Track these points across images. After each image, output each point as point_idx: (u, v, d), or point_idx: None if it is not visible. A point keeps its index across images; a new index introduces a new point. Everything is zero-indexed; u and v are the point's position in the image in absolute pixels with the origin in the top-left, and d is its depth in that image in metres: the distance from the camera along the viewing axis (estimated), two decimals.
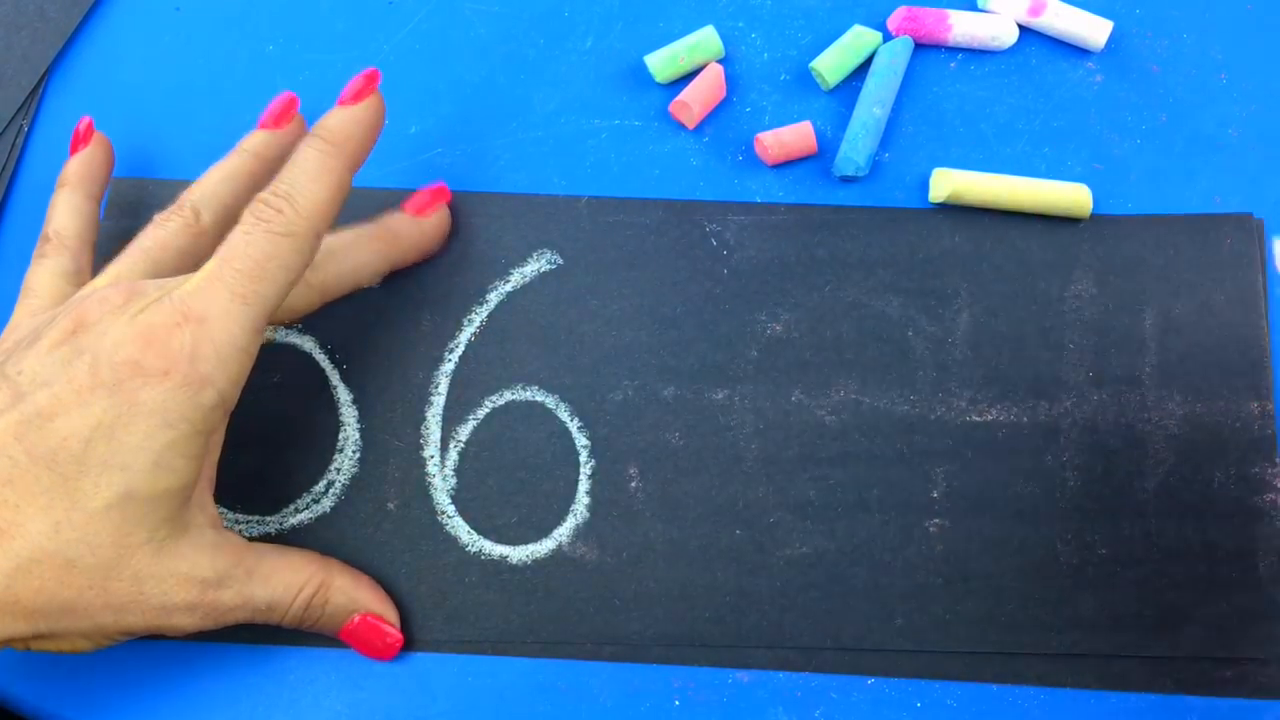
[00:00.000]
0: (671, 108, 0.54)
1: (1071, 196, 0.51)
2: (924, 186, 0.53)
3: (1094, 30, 0.54)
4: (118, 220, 0.53)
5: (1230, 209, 0.52)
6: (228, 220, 0.46)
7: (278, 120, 0.50)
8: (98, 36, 0.57)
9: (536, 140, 0.54)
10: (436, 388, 0.51)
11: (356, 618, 0.46)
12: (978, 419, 0.49)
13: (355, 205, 0.49)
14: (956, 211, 0.52)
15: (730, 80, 0.55)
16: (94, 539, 0.39)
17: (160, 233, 0.46)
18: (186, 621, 0.42)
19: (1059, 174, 0.53)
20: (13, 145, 0.54)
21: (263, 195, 0.43)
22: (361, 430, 0.50)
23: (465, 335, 0.51)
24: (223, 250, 0.42)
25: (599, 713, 0.47)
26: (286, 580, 0.45)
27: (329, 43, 0.56)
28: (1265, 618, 0.47)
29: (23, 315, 0.46)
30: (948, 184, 0.51)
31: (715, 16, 0.56)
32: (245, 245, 0.42)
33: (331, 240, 0.49)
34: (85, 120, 0.52)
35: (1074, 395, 0.50)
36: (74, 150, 0.52)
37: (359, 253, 0.49)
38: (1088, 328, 0.50)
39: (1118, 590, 0.47)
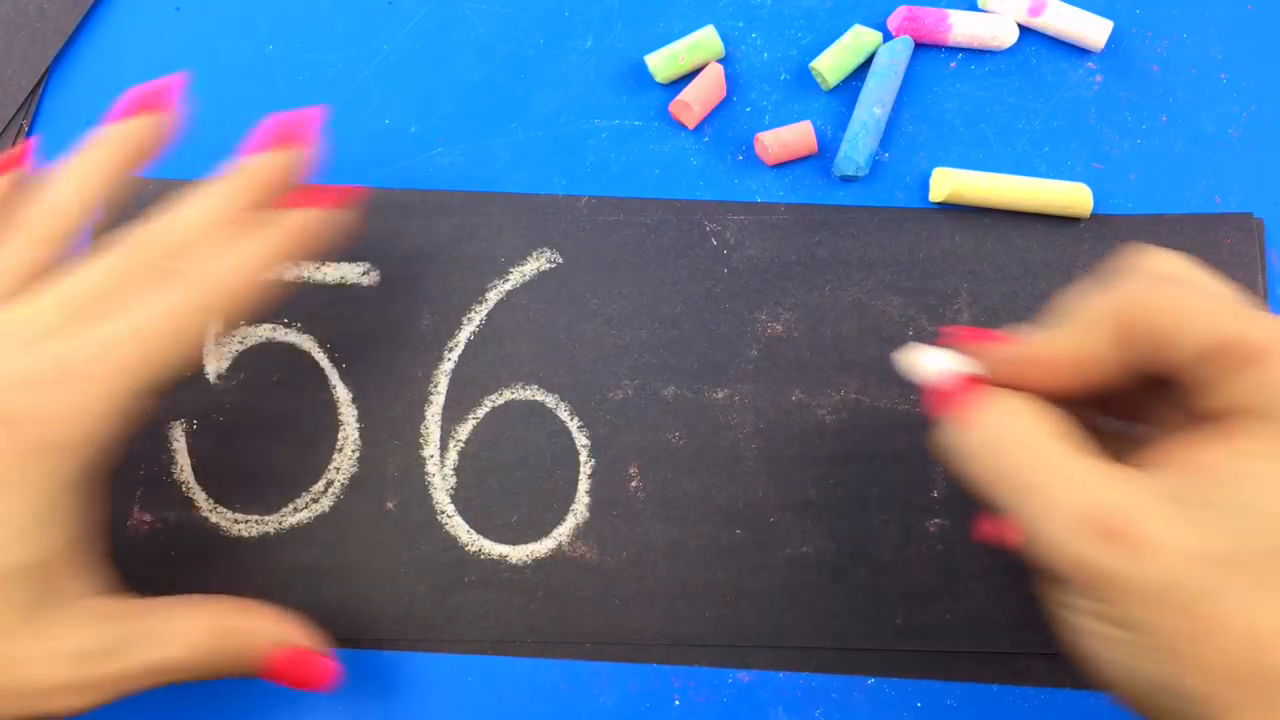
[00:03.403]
0: (672, 107, 0.54)
1: (1072, 196, 0.51)
2: (924, 186, 0.53)
3: (1094, 30, 0.54)
4: (118, 221, 0.53)
5: (1230, 209, 0.52)
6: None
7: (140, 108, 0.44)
8: (98, 36, 0.57)
9: (536, 140, 0.54)
10: (436, 387, 0.51)
11: (277, 652, 0.43)
12: None
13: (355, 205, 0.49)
14: (957, 211, 0.52)
15: (730, 80, 0.55)
16: None
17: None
18: (77, 702, 0.38)
19: (1059, 174, 0.53)
20: (12, 145, 0.54)
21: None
22: (361, 429, 0.50)
23: (465, 334, 0.51)
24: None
25: (599, 713, 0.47)
26: (180, 633, 0.40)
27: (329, 43, 0.56)
28: None
29: None
30: (948, 183, 0.51)
31: (715, 16, 0.56)
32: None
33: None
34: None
35: None
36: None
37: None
38: None
39: None
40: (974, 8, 0.56)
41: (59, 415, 0.37)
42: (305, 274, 0.52)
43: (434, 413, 0.50)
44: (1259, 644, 0.31)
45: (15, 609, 0.37)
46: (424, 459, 0.50)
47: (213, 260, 0.41)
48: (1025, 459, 0.35)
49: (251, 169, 0.43)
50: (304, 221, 0.43)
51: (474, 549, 0.49)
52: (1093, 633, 0.35)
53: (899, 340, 0.50)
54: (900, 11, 0.55)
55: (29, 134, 0.55)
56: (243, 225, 0.42)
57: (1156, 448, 0.35)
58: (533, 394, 0.50)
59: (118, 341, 0.38)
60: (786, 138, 0.53)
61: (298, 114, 0.45)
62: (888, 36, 0.55)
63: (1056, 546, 0.34)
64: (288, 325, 0.51)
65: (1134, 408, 0.39)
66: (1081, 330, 0.37)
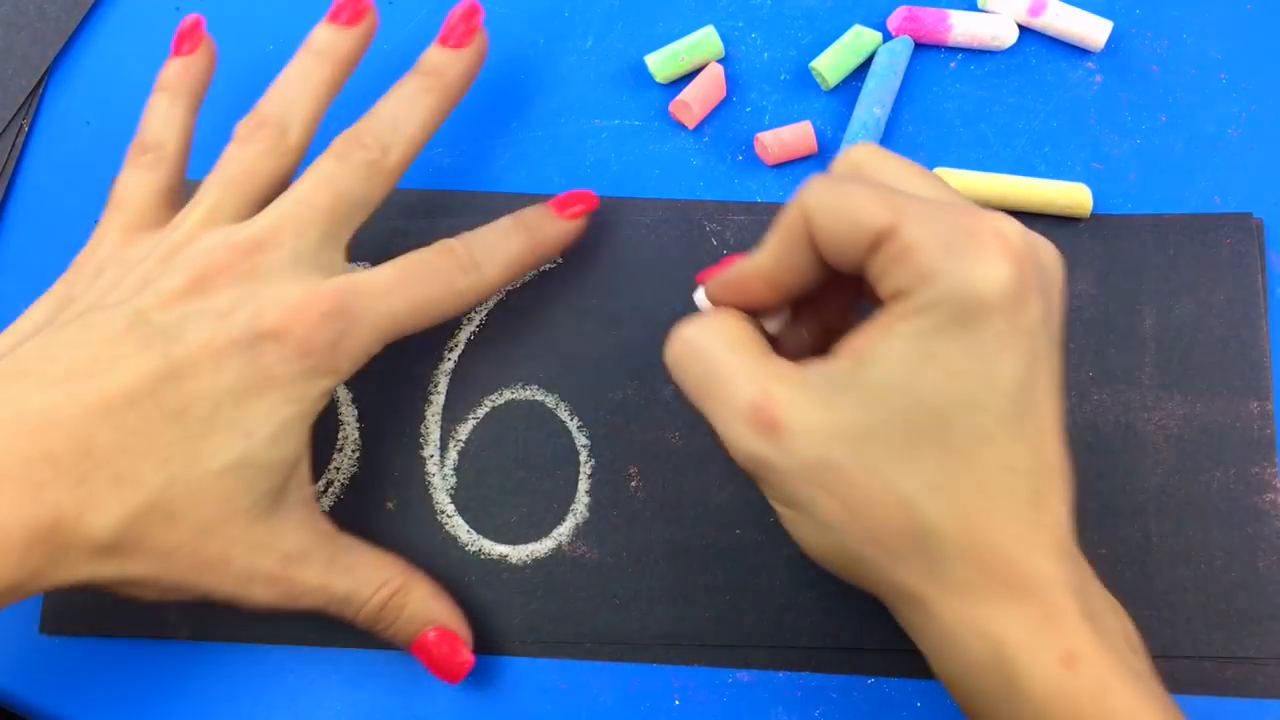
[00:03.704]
0: (671, 108, 0.54)
1: (1072, 196, 0.51)
2: None
3: (1094, 30, 0.54)
4: None
5: (1230, 209, 0.52)
6: (312, 136, 0.48)
7: (348, 14, 0.49)
8: (98, 36, 0.57)
9: (536, 140, 0.54)
10: (436, 387, 0.51)
11: (432, 632, 0.46)
12: None
13: None
14: None
15: (730, 80, 0.55)
16: (202, 498, 0.40)
17: (246, 156, 0.46)
18: (263, 595, 0.42)
19: (1059, 174, 0.53)
20: (13, 145, 0.54)
21: (363, 133, 0.46)
22: (361, 429, 0.50)
23: (465, 334, 0.51)
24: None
25: (599, 713, 0.47)
26: (368, 575, 0.45)
27: None
28: (1265, 618, 0.47)
29: (113, 228, 0.46)
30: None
31: (715, 16, 0.56)
32: (348, 191, 0.45)
33: (486, 235, 0.48)
34: (191, 19, 0.51)
35: (1074, 395, 0.50)
36: (176, 51, 0.51)
37: (509, 247, 0.48)
38: (1087, 327, 0.50)
39: (1116, 590, 0.47)
40: (974, 8, 0.56)
41: (332, 343, 0.42)
42: None
43: (434, 413, 0.50)
44: (907, 506, 0.36)
45: (254, 498, 0.42)
46: (424, 459, 0.50)
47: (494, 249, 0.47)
48: (706, 367, 0.39)
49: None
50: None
51: (474, 549, 0.49)
52: (781, 515, 0.40)
53: None
54: (900, 11, 0.55)
55: (29, 134, 0.55)
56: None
57: (841, 341, 0.38)
58: (532, 394, 0.50)
59: (388, 286, 0.44)
60: (786, 138, 0.53)
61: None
62: (887, 37, 0.55)
63: (731, 442, 0.38)
64: None
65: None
66: (775, 245, 0.39)
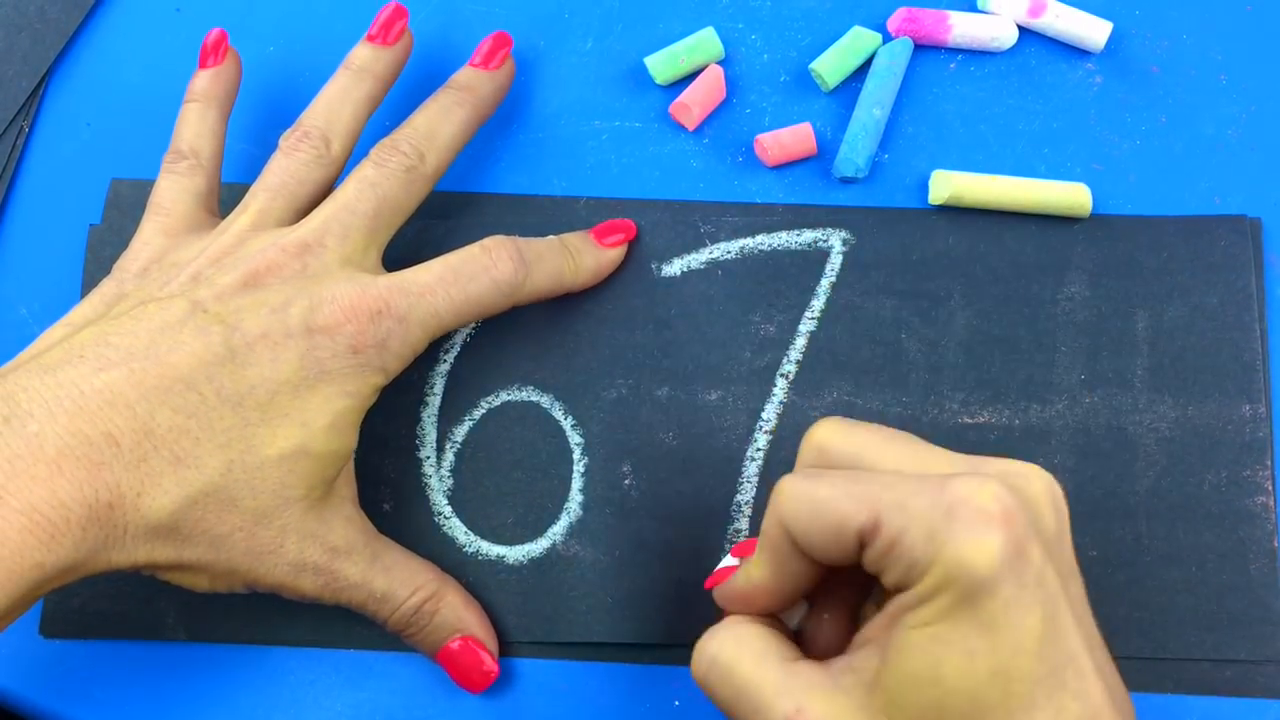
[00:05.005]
0: (671, 109, 0.54)
1: (1071, 196, 0.51)
2: (923, 187, 0.53)
3: (1094, 31, 0.54)
4: (117, 220, 0.54)
5: (1230, 209, 0.52)
6: (353, 148, 0.50)
7: (386, 34, 0.51)
8: (98, 36, 0.57)
9: (536, 142, 0.55)
10: (432, 388, 0.51)
11: (458, 641, 0.46)
12: (970, 421, 0.49)
13: None
14: (952, 212, 0.52)
15: (730, 82, 0.55)
16: (259, 484, 0.41)
17: (292, 165, 0.48)
18: (309, 585, 0.43)
19: (1058, 174, 0.53)
20: (13, 145, 0.55)
21: (400, 141, 0.48)
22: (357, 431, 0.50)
23: (461, 336, 0.51)
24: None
25: (599, 713, 0.47)
26: (405, 578, 0.45)
27: (329, 43, 0.56)
28: (1256, 620, 0.47)
29: (155, 232, 0.48)
30: (947, 186, 0.51)
31: (715, 18, 0.56)
32: (387, 194, 0.47)
33: (534, 243, 0.49)
34: (216, 32, 0.52)
35: (1066, 398, 0.50)
36: (203, 64, 0.52)
37: (556, 259, 0.49)
38: (1080, 330, 0.50)
39: (1108, 592, 0.47)
40: (974, 9, 0.55)
41: (381, 341, 0.43)
42: None
43: (430, 414, 0.50)
44: None
45: (308, 487, 0.43)
46: (420, 460, 0.50)
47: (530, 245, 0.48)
48: (736, 686, 0.37)
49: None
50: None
51: (471, 550, 0.49)
52: None
53: (891, 343, 0.51)
54: (900, 13, 0.54)
55: (29, 134, 0.55)
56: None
57: (863, 629, 0.38)
58: (527, 395, 0.51)
59: (432, 285, 0.45)
60: (786, 139, 0.53)
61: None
62: (887, 38, 0.55)
63: None
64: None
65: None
66: (765, 560, 0.39)
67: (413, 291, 0.44)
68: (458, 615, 0.46)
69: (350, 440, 0.44)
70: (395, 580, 0.45)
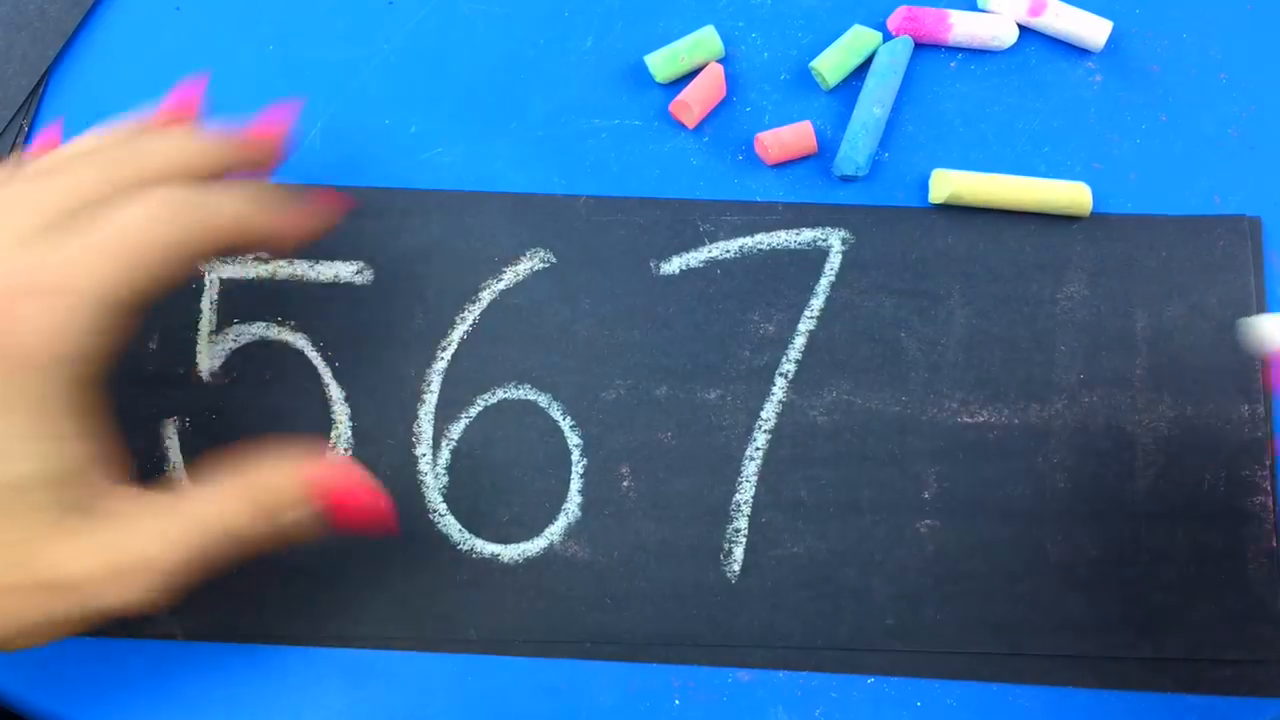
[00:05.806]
0: (671, 107, 0.54)
1: (1071, 196, 0.51)
2: (923, 186, 0.53)
3: (1094, 30, 0.54)
4: None
5: (1230, 209, 0.52)
6: None
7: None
8: (98, 36, 0.57)
9: (536, 140, 0.54)
10: (429, 386, 0.51)
11: (324, 499, 0.42)
12: (969, 420, 0.49)
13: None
14: (952, 211, 0.52)
15: (730, 80, 0.55)
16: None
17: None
18: (133, 593, 0.39)
19: (1058, 174, 0.53)
20: (13, 145, 0.55)
21: None
22: (353, 428, 0.50)
23: (458, 333, 0.51)
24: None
25: (598, 713, 0.47)
26: (218, 504, 0.40)
27: (329, 43, 0.56)
28: (1254, 619, 0.47)
29: None
30: (947, 186, 0.51)
31: (715, 16, 0.56)
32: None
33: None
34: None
35: (1065, 397, 0.50)
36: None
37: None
38: (1079, 329, 0.50)
39: (1107, 591, 0.47)
40: (974, 8, 0.55)
41: (33, 329, 0.37)
42: (299, 272, 0.52)
43: (427, 412, 0.50)
44: None
45: (41, 515, 0.37)
46: (417, 458, 0.50)
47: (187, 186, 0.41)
48: None
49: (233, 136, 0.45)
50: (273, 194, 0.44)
51: (466, 548, 0.49)
52: None
53: (890, 342, 0.50)
54: (900, 11, 0.55)
55: (29, 134, 0.55)
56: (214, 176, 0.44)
57: None
58: (525, 393, 0.50)
59: (91, 253, 0.39)
60: (786, 138, 0.53)
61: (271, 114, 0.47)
62: (887, 36, 0.55)
63: None
64: (281, 324, 0.51)
65: None
66: None
67: (53, 256, 0.38)
68: (289, 485, 0.42)
69: (65, 453, 0.38)
70: (211, 519, 0.40)
